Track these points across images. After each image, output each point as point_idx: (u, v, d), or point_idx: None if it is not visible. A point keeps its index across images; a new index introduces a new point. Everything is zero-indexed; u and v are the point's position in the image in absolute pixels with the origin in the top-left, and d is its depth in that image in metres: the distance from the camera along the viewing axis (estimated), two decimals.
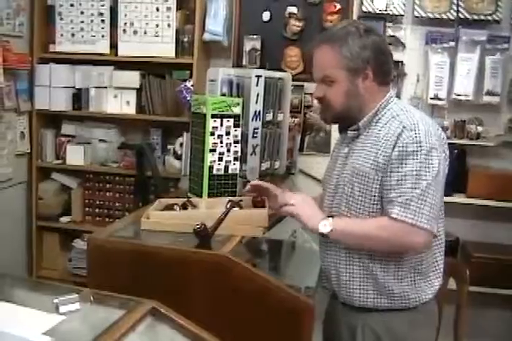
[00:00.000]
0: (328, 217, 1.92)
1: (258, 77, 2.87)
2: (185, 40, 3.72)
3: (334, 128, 3.71)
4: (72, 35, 3.84)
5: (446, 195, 1.94)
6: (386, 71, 1.98)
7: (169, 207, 2.24)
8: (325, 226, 1.87)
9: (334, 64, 1.93)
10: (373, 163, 1.88)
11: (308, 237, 2.60)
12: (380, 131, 1.92)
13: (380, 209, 1.88)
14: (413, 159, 1.80)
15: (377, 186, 1.87)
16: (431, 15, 3.52)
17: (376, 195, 1.88)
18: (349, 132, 2.01)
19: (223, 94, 2.85)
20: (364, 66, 1.91)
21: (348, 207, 1.95)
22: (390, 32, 3.61)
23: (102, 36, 3.81)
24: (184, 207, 2.26)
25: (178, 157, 3.70)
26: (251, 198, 2.30)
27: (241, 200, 2.25)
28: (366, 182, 1.89)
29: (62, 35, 3.85)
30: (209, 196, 2.45)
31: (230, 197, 2.34)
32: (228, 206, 2.13)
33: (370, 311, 1.95)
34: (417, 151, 1.80)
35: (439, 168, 1.82)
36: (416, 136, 1.81)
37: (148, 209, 2.21)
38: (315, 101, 3.74)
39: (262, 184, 2.28)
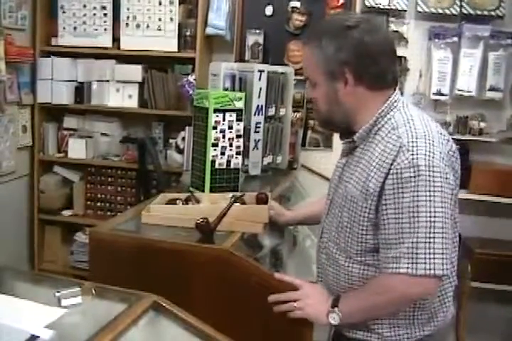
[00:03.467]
0: (334, 299, 1.71)
1: (261, 71, 2.86)
2: (188, 34, 3.71)
3: None
4: (75, 28, 3.83)
5: None
6: (376, 74, 1.67)
7: (172, 202, 2.24)
8: (334, 319, 1.68)
9: (310, 66, 1.72)
10: (364, 186, 1.63)
11: (309, 232, 2.60)
12: (376, 146, 1.65)
13: (370, 238, 1.65)
14: (410, 187, 1.53)
15: (366, 214, 1.63)
16: (434, 11, 3.52)
17: (365, 223, 1.64)
18: (342, 144, 1.80)
19: (226, 89, 2.85)
20: (341, 70, 1.65)
21: (338, 234, 1.73)
22: (392, 27, 3.60)
23: (105, 30, 3.80)
24: (187, 201, 2.26)
25: (180, 151, 3.70)
26: (255, 194, 2.30)
27: (243, 195, 2.25)
28: (355, 208, 1.66)
29: (64, 28, 3.85)
30: (211, 190, 2.45)
31: (234, 193, 2.34)
32: (231, 201, 2.13)
33: None
34: (414, 177, 1.53)
35: (445, 192, 1.55)
36: (413, 159, 1.54)
37: (151, 203, 2.21)
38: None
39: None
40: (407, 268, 1.54)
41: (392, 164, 1.56)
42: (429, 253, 1.53)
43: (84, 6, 3.80)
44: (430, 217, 1.53)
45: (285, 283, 1.79)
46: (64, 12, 3.83)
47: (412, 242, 1.53)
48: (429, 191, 1.53)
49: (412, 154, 1.54)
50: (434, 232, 1.53)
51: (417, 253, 1.53)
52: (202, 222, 1.96)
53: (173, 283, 1.86)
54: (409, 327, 1.70)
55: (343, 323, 1.69)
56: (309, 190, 3.30)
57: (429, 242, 1.53)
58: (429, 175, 1.53)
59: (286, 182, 3.15)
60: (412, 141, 1.57)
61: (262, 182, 2.93)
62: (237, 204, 2.15)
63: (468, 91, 3.52)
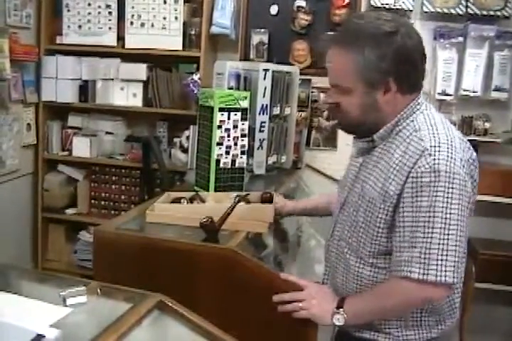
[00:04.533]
0: (340, 300, 1.71)
1: (266, 70, 2.86)
2: (193, 33, 3.70)
3: None
4: (79, 27, 3.83)
5: None
6: (413, 79, 1.66)
7: (177, 201, 2.24)
8: (338, 320, 1.67)
9: (347, 74, 1.63)
10: (382, 188, 1.61)
11: (314, 232, 2.60)
12: (397, 147, 1.63)
13: (383, 241, 1.64)
14: (429, 191, 1.53)
15: (384, 216, 1.61)
16: (439, 10, 3.50)
17: (381, 225, 1.63)
18: (361, 143, 1.76)
19: (230, 88, 2.84)
20: (384, 79, 1.60)
21: (351, 233, 1.72)
22: None
23: (109, 28, 3.80)
24: (192, 200, 2.26)
25: (185, 150, 3.69)
26: (260, 193, 2.30)
27: (247, 194, 2.25)
28: (372, 209, 1.64)
29: (69, 26, 3.84)
30: (216, 190, 2.45)
31: (238, 192, 2.34)
32: (236, 200, 2.13)
33: None
34: (433, 182, 1.52)
35: (462, 199, 1.54)
36: (435, 164, 1.52)
37: (155, 202, 2.21)
38: (322, 95, 3.74)
39: None
40: (418, 273, 1.53)
41: (413, 167, 1.55)
42: (442, 260, 1.52)
43: (89, 4, 3.80)
44: (445, 223, 1.52)
45: (290, 283, 1.79)
46: (69, 10, 3.83)
47: (425, 248, 1.53)
48: (447, 197, 1.52)
49: (434, 159, 1.53)
50: (447, 239, 1.52)
51: (429, 259, 1.52)
52: (206, 221, 1.95)
53: (178, 282, 1.86)
54: (417, 329, 1.70)
55: (348, 324, 1.69)
56: (314, 190, 3.30)
57: (443, 249, 1.52)
58: (449, 182, 1.52)
59: (291, 181, 3.15)
60: (435, 146, 1.56)
61: (267, 181, 2.93)
62: (242, 203, 2.15)
63: (473, 92, 3.51)
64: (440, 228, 1.52)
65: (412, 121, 1.65)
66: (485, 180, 3.32)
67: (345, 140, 3.60)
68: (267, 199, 2.26)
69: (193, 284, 1.87)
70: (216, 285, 1.87)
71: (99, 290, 1.45)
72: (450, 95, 3.54)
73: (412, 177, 1.55)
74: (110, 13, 3.79)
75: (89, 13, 3.80)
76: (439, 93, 3.54)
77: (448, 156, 1.54)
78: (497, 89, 3.49)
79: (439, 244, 1.52)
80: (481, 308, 3.41)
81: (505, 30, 3.48)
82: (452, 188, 1.52)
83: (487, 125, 3.53)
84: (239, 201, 2.10)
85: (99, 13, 3.80)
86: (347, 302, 1.69)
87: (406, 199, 1.56)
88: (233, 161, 2.50)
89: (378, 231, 1.64)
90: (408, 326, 1.69)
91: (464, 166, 1.57)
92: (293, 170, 3.36)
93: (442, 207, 1.52)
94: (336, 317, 1.68)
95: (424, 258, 1.53)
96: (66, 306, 1.33)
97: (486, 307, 3.55)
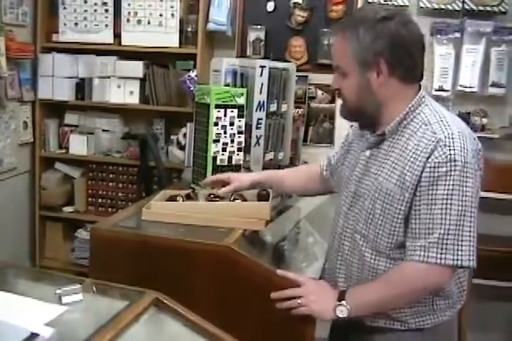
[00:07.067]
0: (340, 293, 1.73)
1: (262, 67, 2.85)
2: (189, 30, 3.70)
3: (338, 117, 3.70)
4: (76, 24, 3.82)
5: None
6: (409, 66, 1.70)
7: (173, 198, 2.24)
8: (342, 312, 1.69)
9: (344, 55, 1.71)
10: (399, 179, 1.66)
11: (311, 229, 2.60)
12: (408, 140, 1.68)
13: (401, 231, 1.68)
14: (445, 181, 1.59)
15: (402, 207, 1.66)
16: (436, 6, 3.50)
17: (400, 216, 1.67)
18: (371, 137, 1.81)
19: (227, 85, 2.84)
20: (376, 59, 1.66)
21: (367, 225, 1.75)
22: None
23: (106, 26, 3.79)
24: (188, 198, 2.26)
25: (182, 147, 3.69)
26: (257, 191, 2.29)
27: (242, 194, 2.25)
28: (390, 201, 1.68)
29: (65, 24, 3.83)
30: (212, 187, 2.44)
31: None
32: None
33: (380, 331, 1.78)
34: (450, 171, 1.59)
35: (474, 188, 1.62)
36: (450, 154, 1.59)
37: (151, 200, 2.21)
38: (319, 92, 3.74)
39: (220, 177, 2.20)
40: (436, 257, 1.60)
41: (429, 157, 1.61)
42: (458, 245, 1.59)
43: (85, 1, 3.79)
44: (461, 211, 1.60)
45: (288, 280, 1.78)
46: (65, 8, 3.82)
47: (443, 233, 1.60)
48: (463, 186, 1.59)
49: (449, 149, 1.60)
50: (463, 225, 1.60)
51: (446, 244, 1.59)
52: None
53: (175, 279, 1.86)
54: (430, 314, 1.75)
55: (352, 316, 1.70)
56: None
57: (459, 234, 1.59)
58: (464, 171, 1.60)
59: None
60: (449, 137, 1.62)
61: None
62: (238, 201, 2.14)
63: (470, 87, 3.51)
64: (457, 215, 1.59)
65: (419, 113, 1.71)
66: (482, 175, 3.36)
67: (341, 137, 3.60)
68: (264, 197, 2.26)
69: (190, 281, 1.87)
70: (213, 282, 1.87)
71: (94, 288, 1.45)
72: (447, 91, 3.53)
73: (429, 167, 1.61)
74: (106, 10, 3.78)
75: (86, 11, 3.79)
76: (436, 89, 3.54)
77: (462, 147, 1.61)
78: (494, 85, 3.49)
79: (455, 230, 1.59)
80: (478, 304, 3.40)
81: (502, 26, 3.48)
82: (467, 177, 1.60)
83: (484, 121, 3.53)
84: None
85: (95, 10, 3.79)
86: (349, 293, 1.72)
87: (422, 188, 1.62)
88: (230, 158, 2.50)
89: (397, 222, 1.69)
90: (422, 312, 1.74)
91: (474, 156, 1.64)
92: (290, 167, 3.35)
93: (458, 195, 1.59)
94: (339, 309, 1.70)
95: (442, 244, 1.60)
96: (62, 304, 1.33)
97: (482, 303, 3.54)
